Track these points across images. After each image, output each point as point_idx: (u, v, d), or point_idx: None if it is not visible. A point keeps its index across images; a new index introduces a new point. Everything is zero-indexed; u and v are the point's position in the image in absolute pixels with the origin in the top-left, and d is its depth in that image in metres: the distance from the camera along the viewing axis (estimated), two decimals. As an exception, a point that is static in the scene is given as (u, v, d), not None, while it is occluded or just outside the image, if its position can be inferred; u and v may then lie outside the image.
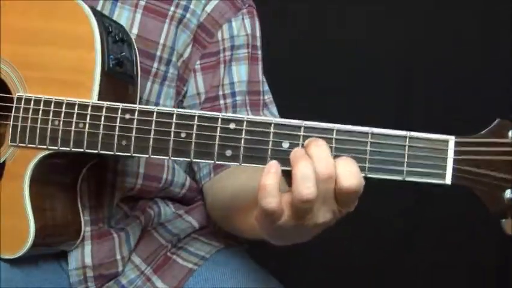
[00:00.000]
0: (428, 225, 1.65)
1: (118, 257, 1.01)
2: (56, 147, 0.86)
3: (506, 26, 1.62)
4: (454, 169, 0.72)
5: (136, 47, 0.96)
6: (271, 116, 1.08)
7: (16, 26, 0.91)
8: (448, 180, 0.72)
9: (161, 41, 1.02)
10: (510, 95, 1.47)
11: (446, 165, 0.72)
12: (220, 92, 1.05)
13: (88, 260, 0.99)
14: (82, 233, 0.97)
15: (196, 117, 0.80)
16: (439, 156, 0.72)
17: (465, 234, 1.64)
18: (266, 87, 1.11)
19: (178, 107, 1.07)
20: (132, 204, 1.06)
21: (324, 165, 0.70)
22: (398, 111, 1.69)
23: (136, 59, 0.96)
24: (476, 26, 1.68)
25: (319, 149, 0.72)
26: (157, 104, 1.03)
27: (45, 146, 0.87)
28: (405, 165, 0.73)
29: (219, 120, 0.79)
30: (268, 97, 1.10)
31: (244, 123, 0.78)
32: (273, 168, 0.72)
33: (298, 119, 0.78)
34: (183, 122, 0.80)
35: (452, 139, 0.72)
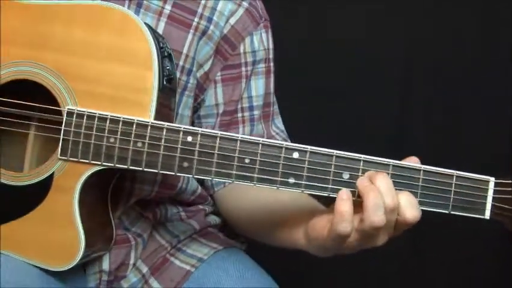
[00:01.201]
0: (434, 229, 1.63)
1: (132, 261, 1.04)
2: (112, 164, 0.87)
3: (506, 26, 1.67)
4: (492, 206, 0.83)
5: (174, 59, 0.97)
6: (278, 130, 1.13)
7: (62, 34, 0.89)
8: (487, 215, 0.83)
9: (185, 51, 1.03)
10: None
11: (486, 203, 0.83)
12: (239, 106, 1.09)
13: (106, 266, 1.01)
14: (113, 241, 0.99)
15: (260, 145, 0.85)
16: (481, 194, 0.83)
17: (471, 238, 1.67)
18: (275, 98, 1.16)
19: (193, 115, 1.09)
20: (144, 205, 1.07)
21: (390, 198, 0.79)
22: (398, 111, 1.72)
23: (176, 71, 0.97)
24: (476, 25, 1.71)
25: (386, 182, 0.80)
26: (176, 114, 1.03)
27: (99, 163, 0.87)
28: (451, 201, 0.83)
29: (283, 149, 0.84)
30: (275, 107, 1.15)
31: (308, 154, 0.84)
32: (345, 195, 0.80)
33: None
34: (247, 148, 0.85)
35: (492, 180, 0.83)
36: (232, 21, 1.07)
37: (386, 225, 0.81)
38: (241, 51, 1.08)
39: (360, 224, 0.81)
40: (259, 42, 1.09)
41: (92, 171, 0.88)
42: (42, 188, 0.88)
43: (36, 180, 0.89)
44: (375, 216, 0.79)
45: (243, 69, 1.08)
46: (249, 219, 1.05)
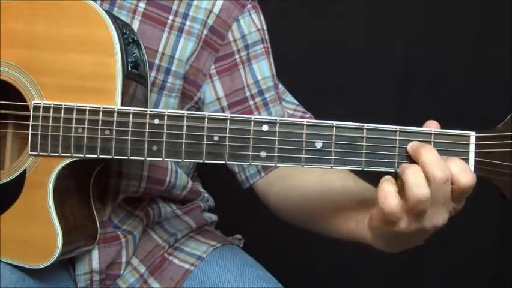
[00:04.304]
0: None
1: (124, 259, 1.02)
2: (82, 155, 0.85)
3: (506, 26, 1.66)
4: (475, 162, 0.79)
5: (143, 46, 0.96)
6: (293, 106, 1.10)
7: (24, 30, 0.88)
8: (471, 172, 0.79)
9: (160, 50, 1.01)
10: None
11: (468, 159, 0.79)
12: (248, 93, 1.04)
13: (96, 265, 0.99)
14: (97, 238, 0.97)
15: (228, 121, 0.82)
16: (462, 151, 0.79)
17: (463, 236, 1.68)
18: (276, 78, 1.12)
19: None
20: (134, 204, 1.06)
21: (440, 169, 0.75)
22: (397, 111, 1.72)
23: (145, 58, 0.95)
24: (476, 25, 1.71)
25: (431, 154, 0.76)
26: None
27: (69, 154, 0.86)
28: (431, 160, 0.79)
29: (252, 122, 0.82)
30: (281, 86, 1.11)
31: (277, 125, 0.81)
32: (387, 176, 0.77)
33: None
34: (215, 125, 0.82)
35: (473, 134, 0.79)
36: (215, 10, 1.03)
37: (443, 200, 0.76)
38: (231, 39, 1.04)
39: (406, 204, 0.75)
40: (249, 24, 1.05)
41: (64, 164, 0.86)
42: (16, 186, 0.87)
43: (10, 178, 0.88)
44: (418, 190, 0.74)
45: (237, 56, 1.04)
46: (299, 209, 1.00)
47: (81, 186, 0.94)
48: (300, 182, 0.98)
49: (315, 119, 1.07)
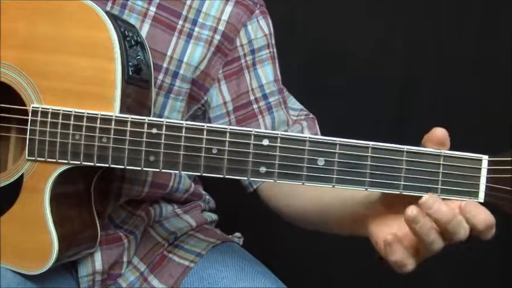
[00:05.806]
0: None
1: (125, 259, 1.02)
2: (79, 162, 0.83)
3: (506, 26, 1.62)
4: (486, 187, 0.74)
5: (148, 47, 0.93)
6: (296, 113, 1.08)
7: (23, 31, 0.86)
8: (481, 198, 0.74)
9: (169, 53, 0.99)
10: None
11: (479, 184, 0.74)
12: (252, 97, 1.03)
13: (99, 266, 0.99)
14: (98, 240, 0.96)
15: (227, 133, 0.79)
16: (473, 175, 0.74)
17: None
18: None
19: (198, 119, 1.05)
20: (135, 204, 1.05)
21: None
22: (397, 112, 1.69)
23: (150, 60, 0.93)
24: (476, 25, 1.67)
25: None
26: (160, 115, 1.00)
27: (66, 161, 0.84)
28: (439, 184, 0.75)
29: (252, 136, 0.79)
30: (285, 90, 1.10)
31: (278, 139, 0.78)
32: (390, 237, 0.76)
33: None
34: (214, 137, 0.79)
35: (485, 158, 0.74)
36: (225, 17, 1.02)
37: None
38: (238, 44, 1.03)
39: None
40: (257, 30, 1.04)
41: (60, 170, 0.84)
42: (13, 190, 0.86)
43: (7, 182, 0.87)
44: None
45: (243, 61, 1.03)
46: (298, 215, 0.99)
47: (81, 190, 0.92)
48: (300, 191, 0.95)
49: (315, 119, 1.06)
